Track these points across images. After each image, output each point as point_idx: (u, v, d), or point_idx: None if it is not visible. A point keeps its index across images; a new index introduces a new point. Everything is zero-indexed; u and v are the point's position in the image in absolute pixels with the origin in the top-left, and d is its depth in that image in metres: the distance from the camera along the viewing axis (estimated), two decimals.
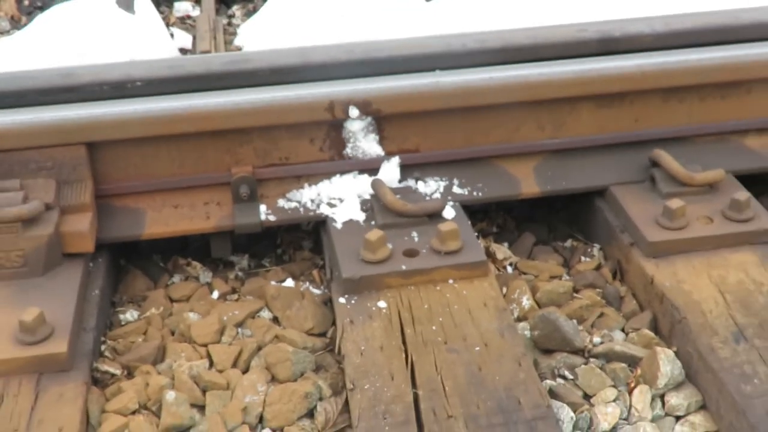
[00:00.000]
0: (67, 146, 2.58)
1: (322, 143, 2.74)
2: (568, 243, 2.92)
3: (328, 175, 2.75)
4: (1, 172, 2.56)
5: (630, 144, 2.87)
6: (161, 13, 5.05)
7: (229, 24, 5.03)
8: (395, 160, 2.73)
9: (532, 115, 2.81)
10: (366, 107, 2.67)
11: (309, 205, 2.71)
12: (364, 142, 2.74)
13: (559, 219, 3.04)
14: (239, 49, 4.37)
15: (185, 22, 5.21)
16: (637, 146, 2.87)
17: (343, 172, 2.76)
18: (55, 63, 4.03)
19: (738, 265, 2.46)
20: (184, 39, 4.68)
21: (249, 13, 5.33)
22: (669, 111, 2.87)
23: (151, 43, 4.22)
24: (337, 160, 2.76)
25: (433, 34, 3.05)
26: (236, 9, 5.40)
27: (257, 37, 4.41)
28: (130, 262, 2.86)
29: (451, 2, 4.57)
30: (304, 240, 2.97)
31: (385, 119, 2.73)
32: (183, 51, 4.52)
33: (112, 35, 4.20)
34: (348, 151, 2.75)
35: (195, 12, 5.31)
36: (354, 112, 2.65)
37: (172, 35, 4.71)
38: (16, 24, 5.17)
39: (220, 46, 4.12)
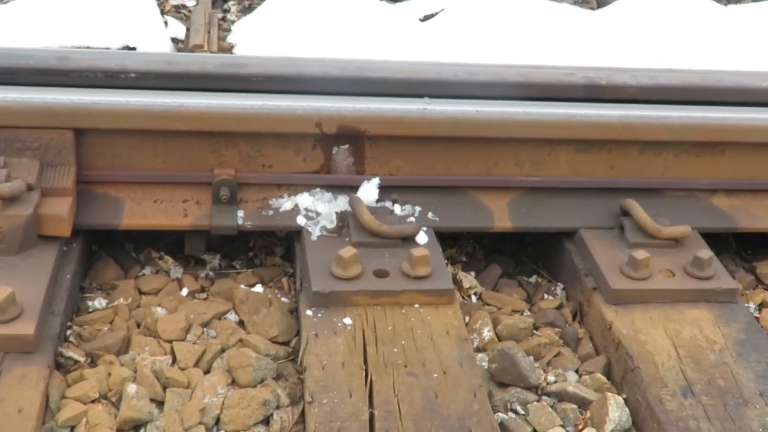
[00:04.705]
0: (55, 129, 2.61)
1: (306, 156, 2.79)
2: (533, 279, 2.99)
3: (309, 187, 2.80)
4: None
5: (603, 190, 2.95)
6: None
7: (224, 19, 5.06)
8: (375, 181, 2.79)
9: (512, 152, 2.88)
10: (353, 126, 2.73)
11: (287, 214, 2.75)
12: (348, 159, 2.79)
13: (526, 254, 3.11)
14: (232, 46, 4.41)
15: (180, 11, 5.23)
16: (609, 193, 2.95)
17: (323, 186, 2.81)
18: (48, 38, 4.05)
19: (693, 321, 2.55)
20: (178, 29, 4.70)
21: (244, 10, 5.36)
22: (644, 163, 2.95)
23: (145, 29, 4.24)
24: (319, 173, 2.81)
25: (426, 60, 3.11)
26: (232, 4, 5.43)
27: (251, 36, 4.45)
28: (103, 249, 2.89)
29: (444, 24, 4.64)
30: (276, 246, 3.02)
31: (370, 140, 2.79)
32: (175, 41, 4.54)
33: (107, 17, 4.22)
34: (331, 166, 2.80)
35: (191, 2, 5.34)
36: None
37: (166, 23, 4.73)
38: None
39: (213, 41, 4.15)
